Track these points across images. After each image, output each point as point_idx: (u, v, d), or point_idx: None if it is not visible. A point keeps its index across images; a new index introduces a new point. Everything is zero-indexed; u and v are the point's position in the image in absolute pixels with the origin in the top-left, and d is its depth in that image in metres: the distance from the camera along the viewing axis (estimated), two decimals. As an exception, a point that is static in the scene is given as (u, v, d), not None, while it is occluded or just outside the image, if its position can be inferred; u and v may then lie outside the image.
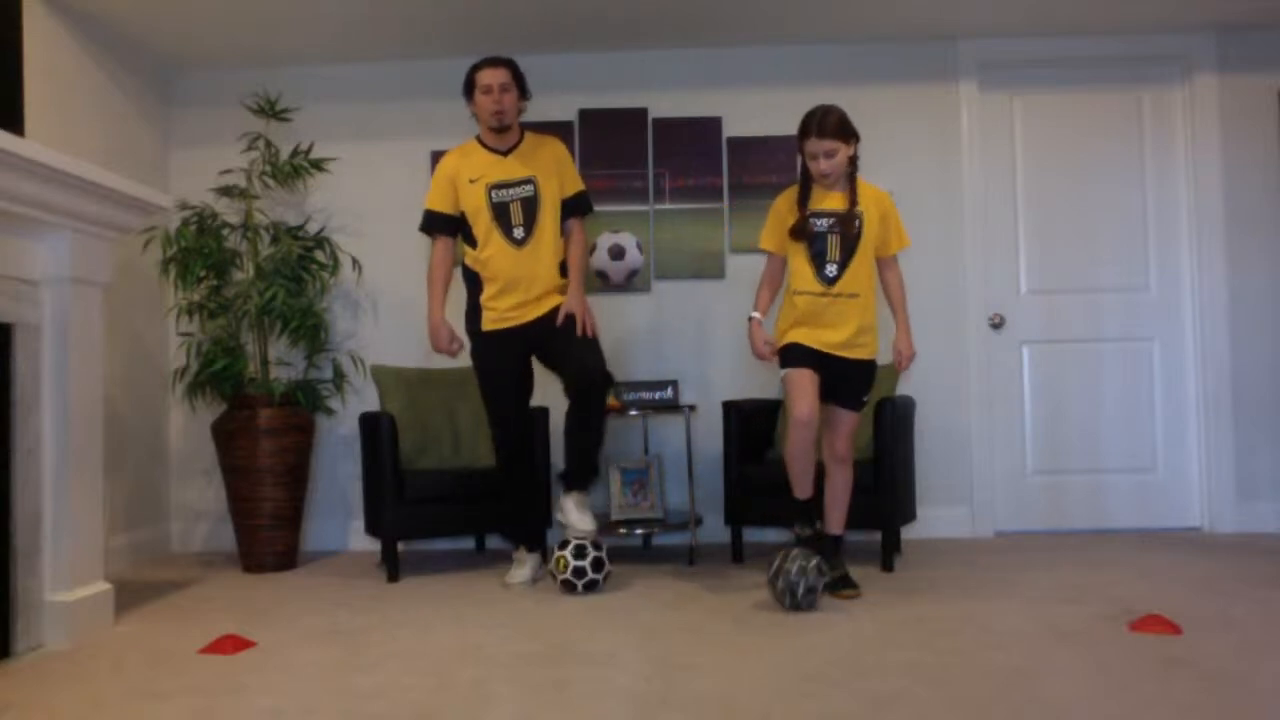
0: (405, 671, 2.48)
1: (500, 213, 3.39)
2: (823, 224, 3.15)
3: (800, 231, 3.15)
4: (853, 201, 3.14)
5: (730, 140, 4.45)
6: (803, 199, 3.18)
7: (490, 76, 3.36)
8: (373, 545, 4.29)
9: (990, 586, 3.32)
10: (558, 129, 4.19)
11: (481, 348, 3.46)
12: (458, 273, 3.59)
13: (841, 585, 3.21)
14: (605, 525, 3.85)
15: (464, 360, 4.01)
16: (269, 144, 4.13)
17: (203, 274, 3.99)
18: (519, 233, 3.39)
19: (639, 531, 3.93)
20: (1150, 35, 4.38)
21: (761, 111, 4.44)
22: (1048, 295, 4.47)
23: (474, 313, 3.47)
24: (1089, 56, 4.43)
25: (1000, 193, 4.48)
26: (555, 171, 3.44)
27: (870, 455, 3.69)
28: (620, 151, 4.46)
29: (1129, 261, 4.46)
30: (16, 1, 2.90)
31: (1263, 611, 2.89)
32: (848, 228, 3.11)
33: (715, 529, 4.23)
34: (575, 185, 3.52)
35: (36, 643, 2.76)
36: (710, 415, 4.34)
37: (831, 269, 3.13)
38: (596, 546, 3.34)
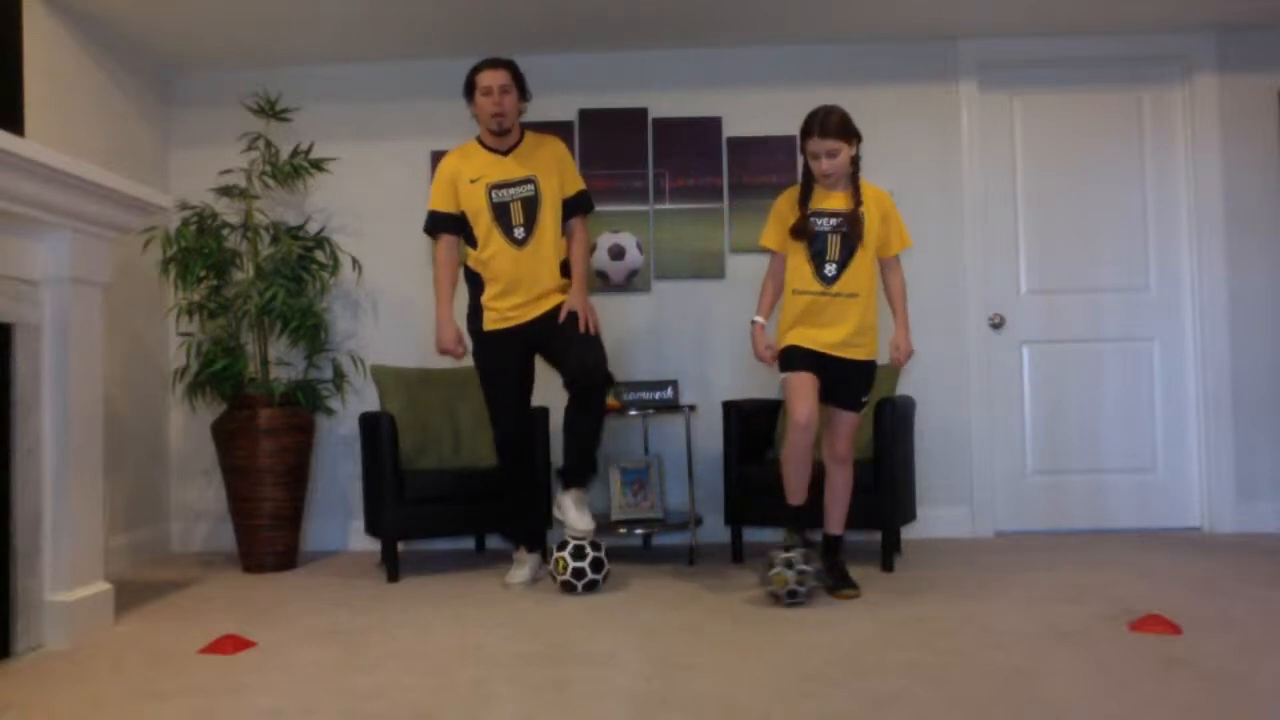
0: (405, 671, 2.48)
1: (501, 213, 3.39)
2: (824, 224, 3.15)
3: (800, 231, 3.15)
4: (857, 202, 3.14)
5: (730, 140, 4.45)
6: (804, 198, 3.18)
7: (490, 78, 3.36)
8: (373, 545, 4.29)
9: (990, 586, 3.32)
10: (558, 129, 4.18)
11: (483, 348, 3.47)
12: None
13: (841, 585, 3.22)
14: (605, 525, 3.85)
15: (464, 360, 4.01)
16: (269, 144, 4.13)
17: (203, 274, 3.99)
18: (519, 232, 3.39)
19: (639, 531, 3.93)
20: (1150, 35, 4.38)
21: (761, 111, 4.44)
22: (1048, 295, 4.47)
23: (475, 313, 3.48)
24: (1089, 56, 4.43)
25: (1000, 193, 4.48)
26: (556, 171, 3.44)
27: (870, 455, 3.69)
28: (620, 151, 4.46)
29: (1129, 261, 4.46)
30: (16, 1, 2.90)
31: (1263, 611, 2.89)
32: (855, 228, 3.12)
33: (715, 529, 4.23)
34: (576, 184, 3.52)
35: (36, 643, 2.76)
36: (710, 415, 4.34)
37: (831, 268, 3.13)
38: (595, 546, 3.34)
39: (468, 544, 4.39)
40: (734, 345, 4.35)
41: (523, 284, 3.39)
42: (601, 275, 4.37)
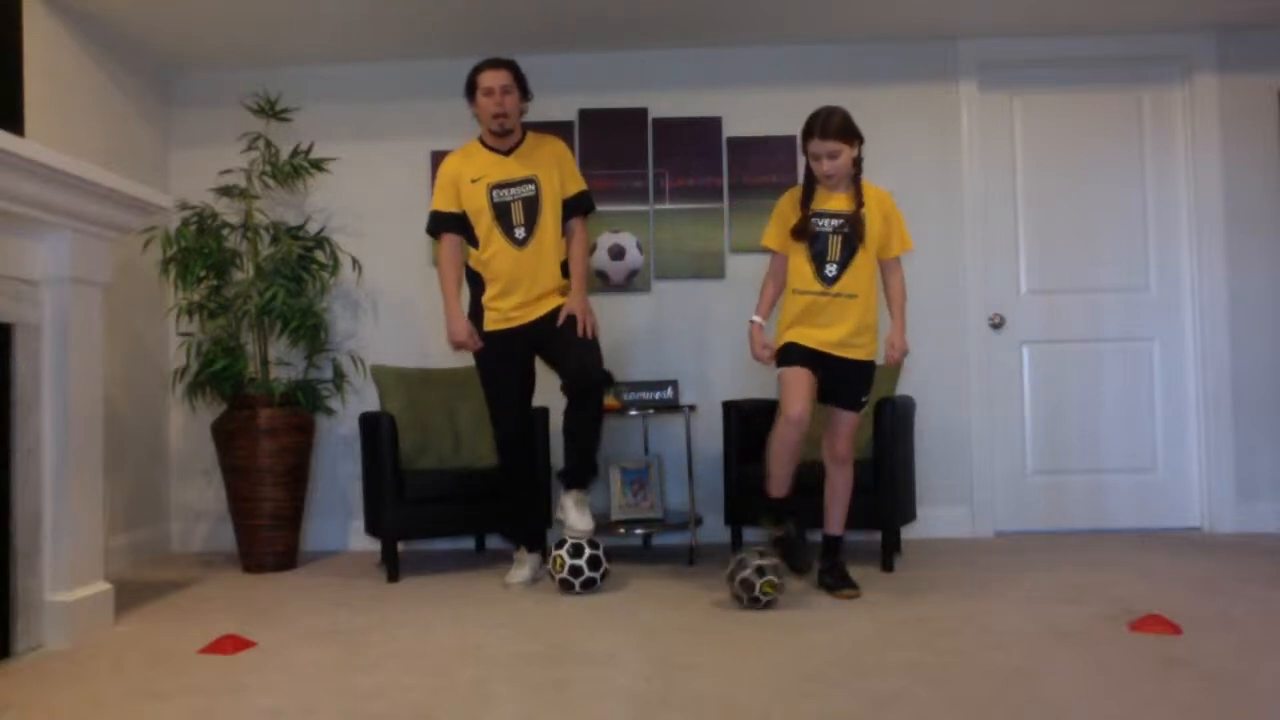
0: (405, 671, 2.48)
1: (501, 213, 3.39)
2: (826, 224, 3.15)
3: (801, 231, 3.15)
4: (859, 203, 3.14)
5: (730, 140, 4.45)
6: (806, 199, 3.18)
7: (491, 78, 3.36)
8: (373, 545, 4.29)
9: (990, 586, 3.32)
10: (558, 129, 4.18)
11: (484, 348, 3.46)
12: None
13: (841, 585, 3.22)
14: (605, 525, 3.85)
15: (464, 360, 4.02)
16: (269, 144, 4.13)
17: (203, 274, 3.99)
18: (520, 233, 3.39)
19: (639, 531, 3.93)
20: (1150, 35, 4.38)
21: (761, 111, 4.44)
22: (1048, 295, 4.47)
23: (476, 313, 3.48)
24: (1089, 56, 4.43)
25: (1000, 193, 4.48)
26: (557, 171, 3.44)
27: (870, 455, 3.69)
28: (620, 151, 4.46)
29: (1129, 261, 4.46)
30: (16, 1, 2.90)
31: (1263, 611, 2.89)
32: (857, 229, 3.11)
33: (715, 529, 4.23)
34: (577, 185, 3.52)
35: (36, 643, 2.76)
36: (710, 415, 4.34)
37: (831, 269, 3.13)
38: (594, 545, 3.34)
39: (468, 544, 4.39)
40: (734, 345, 4.35)
41: (522, 284, 3.39)
42: (601, 275, 4.37)
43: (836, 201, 3.17)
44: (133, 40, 4.16)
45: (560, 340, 3.36)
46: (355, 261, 4.33)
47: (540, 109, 4.02)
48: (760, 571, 2.99)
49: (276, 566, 3.92)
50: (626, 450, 4.37)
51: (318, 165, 4.18)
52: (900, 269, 3.28)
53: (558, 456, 3.84)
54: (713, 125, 4.46)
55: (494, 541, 4.36)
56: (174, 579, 3.82)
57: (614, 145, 4.45)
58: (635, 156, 4.46)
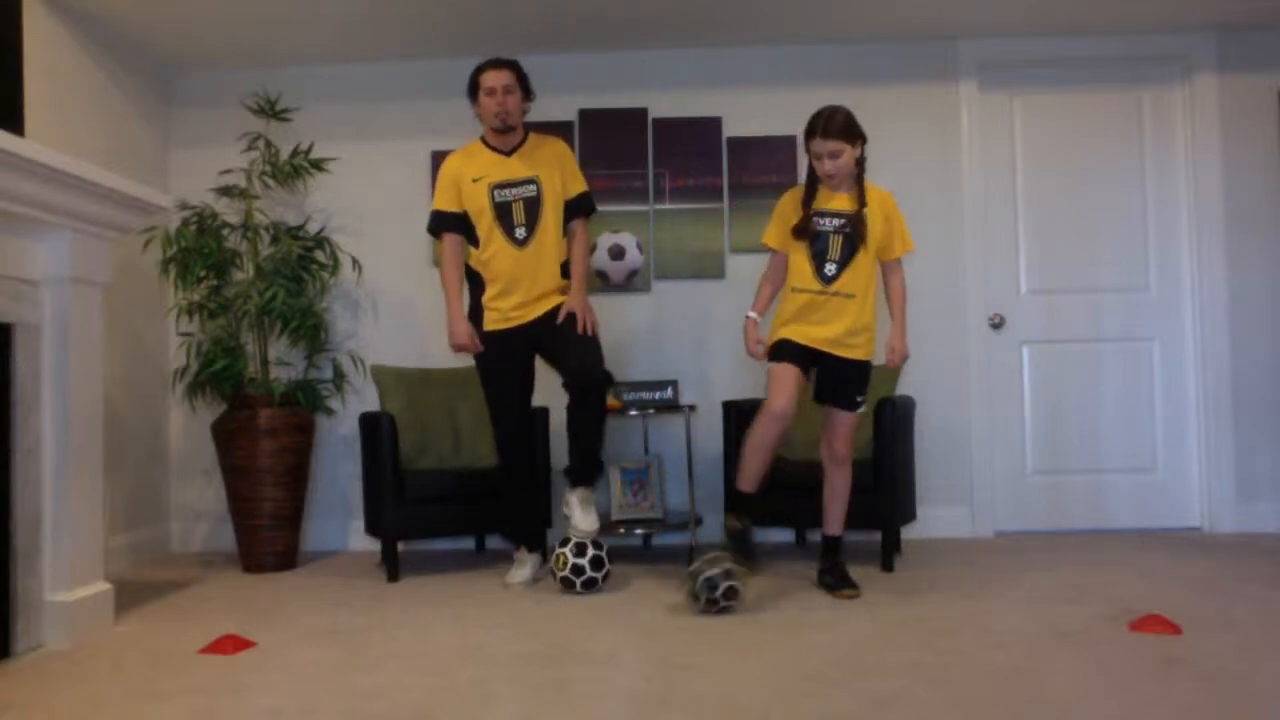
0: (405, 671, 2.48)
1: (502, 213, 3.39)
2: (827, 224, 3.15)
3: (802, 231, 3.15)
4: (861, 203, 3.14)
5: (730, 140, 4.45)
6: (807, 198, 3.18)
7: (494, 78, 3.36)
8: (373, 545, 4.29)
9: (990, 586, 3.32)
10: (558, 129, 4.19)
11: (484, 348, 3.46)
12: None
13: (841, 585, 3.22)
14: (605, 525, 3.84)
15: (464, 360, 4.01)
16: (269, 144, 4.13)
17: (203, 274, 3.99)
18: (521, 233, 3.39)
19: (639, 531, 3.93)
20: (1150, 35, 4.38)
21: (761, 111, 4.44)
22: (1048, 295, 4.47)
23: (477, 313, 3.48)
24: (1089, 56, 4.43)
25: (1000, 193, 4.48)
26: (558, 171, 3.45)
27: (870, 455, 3.69)
28: (620, 151, 4.46)
29: (1129, 261, 4.46)
30: (16, 1, 2.90)
31: (1263, 611, 2.89)
32: (858, 229, 3.11)
33: (715, 529, 4.23)
34: (579, 185, 3.52)
35: (36, 643, 2.76)
36: (710, 415, 4.34)
37: (831, 268, 3.13)
38: (597, 545, 3.34)
39: (468, 544, 4.39)
40: (734, 345, 4.35)
41: (522, 284, 3.39)
42: (601, 275, 4.37)
43: (839, 201, 3.17)
44: (133, 40, 4.16)
45: (560, 338, 3.36)
46: (355, 261, 4.33)
47: (540, 109, 4.02)
48: (728, 574, 2.96)
49: (276, 566, 3.92)
50: (626, 450, 4.37)
51: (318, 165, 4.18)
52: (901, 270, 3.28)
53: (558, 456, 3.84)
54: (713, 125, 4.46)
55: (494, 541, 4.36)
56: (174, 579, 3.82)
57: (614, 145, 4.45)
58: (635, 156, 4.46)
